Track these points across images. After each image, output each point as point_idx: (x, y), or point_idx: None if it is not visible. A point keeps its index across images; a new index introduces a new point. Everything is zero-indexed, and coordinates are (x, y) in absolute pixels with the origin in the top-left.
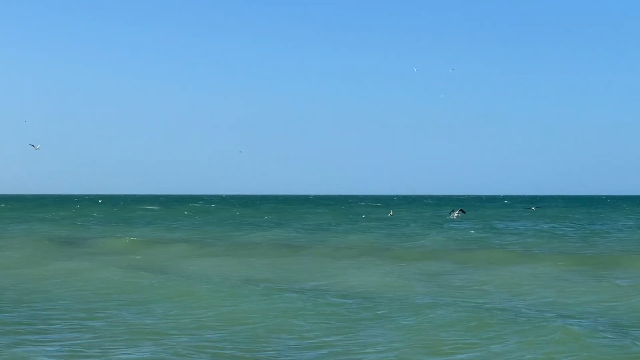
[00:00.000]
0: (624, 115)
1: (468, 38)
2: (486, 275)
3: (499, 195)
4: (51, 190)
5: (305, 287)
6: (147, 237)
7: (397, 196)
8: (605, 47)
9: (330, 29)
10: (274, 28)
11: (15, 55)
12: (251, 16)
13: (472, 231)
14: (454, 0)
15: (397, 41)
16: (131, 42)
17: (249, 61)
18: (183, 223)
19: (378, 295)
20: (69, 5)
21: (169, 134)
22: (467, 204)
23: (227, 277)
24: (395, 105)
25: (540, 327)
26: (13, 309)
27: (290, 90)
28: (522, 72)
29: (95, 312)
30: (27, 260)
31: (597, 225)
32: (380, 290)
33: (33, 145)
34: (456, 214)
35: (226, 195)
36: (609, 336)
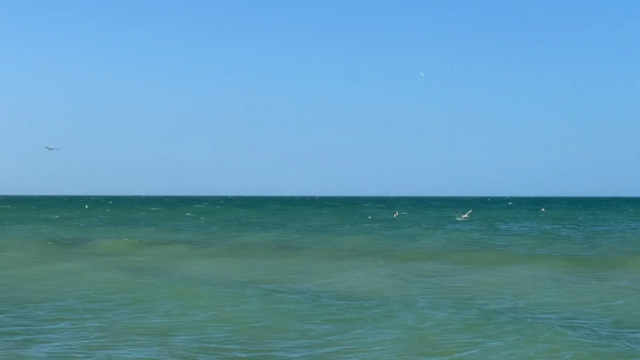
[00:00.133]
0: (627, 115)
1: (468, 38)
2: (488, 276)
3: (504, 197)
4: (56, 191)
5: (306, 287)
6: (151, 238)
7: (402, 197)
8: (608, 47)
9: (330, 29)
10: (274, 28)
11: (20, 55)
12: (251, 16)
13: (477, 233)
14: (454, 0)
15: (397, 41)
16: (132, 41)
17: (249, 61)
18: (187, 224)
19: (379, 296)
20: (69, 4)
21: (170, 135)
22: (472, 206)
23: (228, 278)
24: (396, 105)
25: (536, 328)
26: (15, 309)
27: (291, 90)
28: (524, 72)
29: (98, 312)
30: (30, 260)
31: (600, 226)
32: (380, 291)
33: (48, 147)
34: (465, 215)
35: (232, 197)
36: (604, 337)
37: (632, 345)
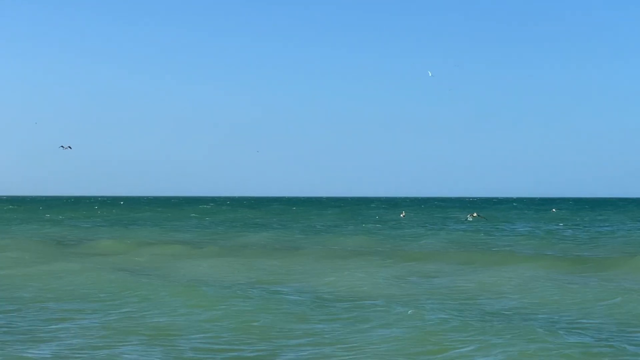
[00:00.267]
0: (631, 116)
1: (468, 38)
2: (489, 276)
3: (511, 197)
4: (66, 192)
5: (306, 287)
6: (153, 238)
7: (408, 198)
8: (609, 47)
9: (330, 29)
10: (274, 28)
11: (25, 56)
12: (251, 16)
13: (481, 233)
14: (454, 0)
15: (397, 41)
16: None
17: (252, 61)
18: (191, 224)
19: (380, 295)
20: (70, 4)
21: (174, 135)
22: (478, 207)
23: (232, 278)
24: (400, 106)
25: (536, 328)
26: (19, 308)
27: (293, 90)
28: (529, 68)
29: (102, 312)
30: (32, 260)
31: (605, 227)
32: (382, 290)
33: (63, 146)
34: (472, 216)
35: (238, 197)
36: (604, 337)
37: (633, 346)
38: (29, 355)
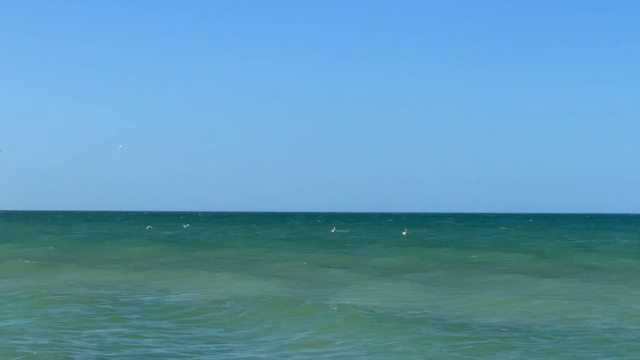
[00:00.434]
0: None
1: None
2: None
3: (523, 213)
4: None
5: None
6: (149, 254)
7: (419, 214)
8: (609, 49)
9: (331, 47)
10: (273, 45)
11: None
12: (246, 32)
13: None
14: (454, 0)
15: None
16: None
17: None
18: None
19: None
20: (70, 4)
21: (182, 150)
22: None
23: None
24: (398, 118)
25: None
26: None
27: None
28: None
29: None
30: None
31: (584, 239)
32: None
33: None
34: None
35: (263, 213)
36: (591, 346)
37: (626, 353)
38: None
